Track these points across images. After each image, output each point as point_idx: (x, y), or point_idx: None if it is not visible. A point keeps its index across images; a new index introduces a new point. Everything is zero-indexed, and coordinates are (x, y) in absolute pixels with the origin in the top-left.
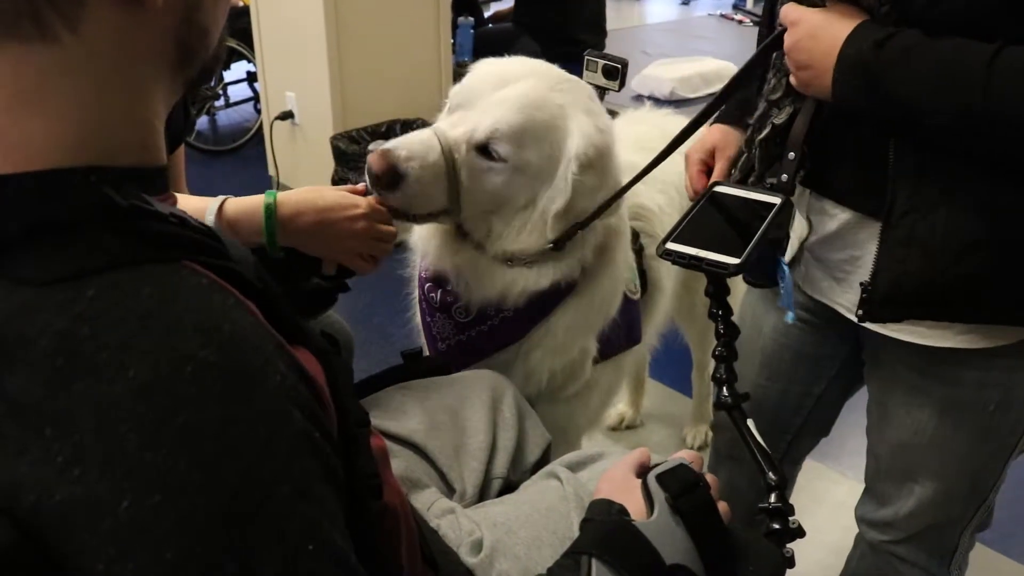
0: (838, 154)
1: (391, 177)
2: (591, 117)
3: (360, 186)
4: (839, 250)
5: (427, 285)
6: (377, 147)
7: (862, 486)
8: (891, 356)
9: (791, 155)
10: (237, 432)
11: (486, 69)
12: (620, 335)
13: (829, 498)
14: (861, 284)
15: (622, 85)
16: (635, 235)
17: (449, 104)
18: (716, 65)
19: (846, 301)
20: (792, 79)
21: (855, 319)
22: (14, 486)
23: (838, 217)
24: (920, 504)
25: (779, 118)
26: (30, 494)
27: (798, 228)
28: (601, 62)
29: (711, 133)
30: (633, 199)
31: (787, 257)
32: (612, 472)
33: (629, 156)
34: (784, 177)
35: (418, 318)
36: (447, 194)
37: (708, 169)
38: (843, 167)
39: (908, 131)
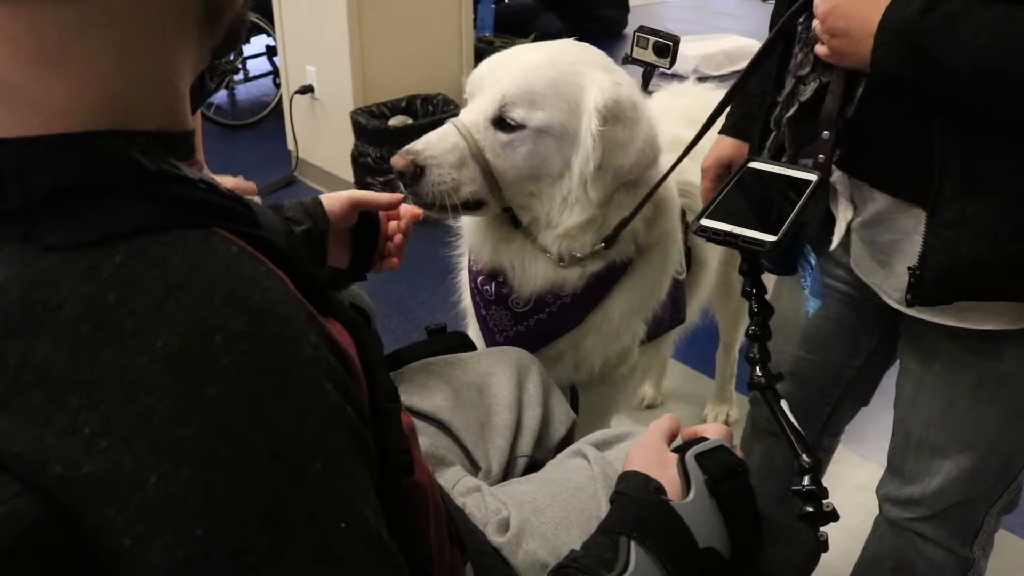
0: (875, 139)
1: (413, 171)
2: (607, 72)
3: (398, 195)
4: (881, 233)
5: (480, 279)
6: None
7: (884, 469)
8: (932, 331)
9: (825, 134)
10: (269, 405)
11: (491, 57)
12: (667, 316)
13: (851, 481)
14: (909, 269)
15: (673, 63)
16: (681, 213)
17: (467, 99)
18: (740, 42)
19: (887, 286)
20: (821, 49)
21: (895, 304)
22: (41, 457)
23: (878, 201)
24: (948, 480)
25: (805, 95)
26: (57, 465)
27: (844, 210)
28: (652, 39)
29: (724, 147)
30: (680, 176)
31: (836, 239)
32: (644, 441)
33: (675, 130)
34: (821, 158)
35: (465, 302)
36: (481, 180)
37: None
38: (881, 153)
39: (954, 104)
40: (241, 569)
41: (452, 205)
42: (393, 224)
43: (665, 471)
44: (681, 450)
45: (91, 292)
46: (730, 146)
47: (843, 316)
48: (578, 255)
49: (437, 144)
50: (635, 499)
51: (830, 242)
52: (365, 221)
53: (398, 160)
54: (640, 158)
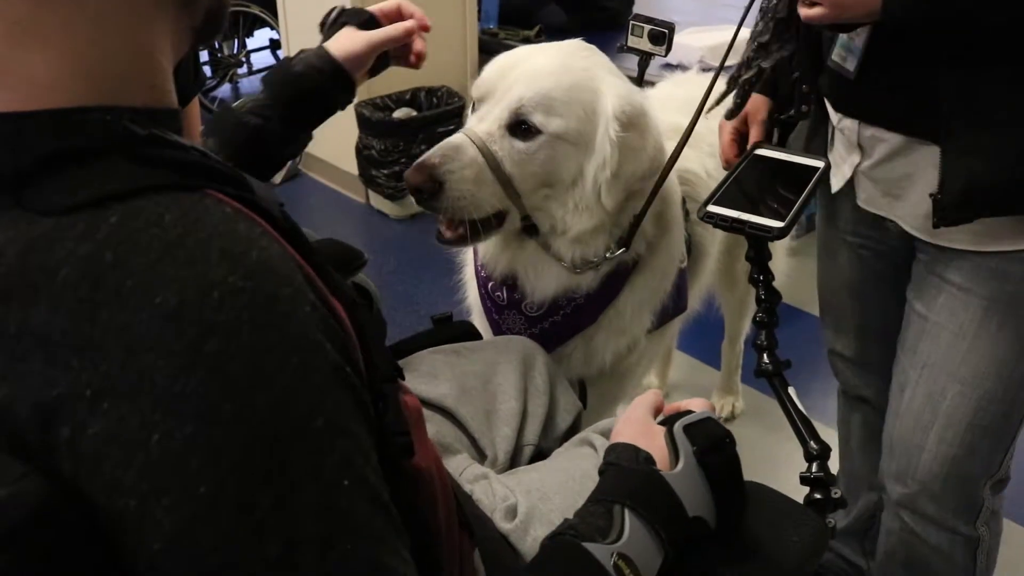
0: (886, 84)
1: (431, 186)
2: (618, 78)
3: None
4: (893, 171)
5: (490, 284)
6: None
7: None
8: (937, 261)
9: (804, 87)
10: (269, 361)
11: (499, 60)
12: (671, 304)
13: None
14: (931, 195)
15: (668, 50)
16: (681, 200)
17: (472, 105)
18: (744, 34)
19: (904, 213)
20: (814, 11)
21: (912, 230)
22: (47, 421)
23: (889, 142)
24: (947, 423)
25: (767, 62)
26: (64, 427)
27: (850, 156)
28: (647, 27)
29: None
30: (679, 163)
31: (837, 183)
32: (630, 415)
33: (675, 118)
34: (804, 108)
35: (470, 298)
36: (500, 192)
37: (740, 136)
38: (892, 94)
39: (959, 37)
40: (246, 525)
41: (473, 221)
42: (407, 29)
43: (653, 442)
44: (668, 422)
45: (88, 252)
46: (751, 100)
47: (877, 268)
48: (593, 260)
49: (454, 157)
50: (626, 469)
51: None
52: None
53: (414, 175)
54: (651, 165)
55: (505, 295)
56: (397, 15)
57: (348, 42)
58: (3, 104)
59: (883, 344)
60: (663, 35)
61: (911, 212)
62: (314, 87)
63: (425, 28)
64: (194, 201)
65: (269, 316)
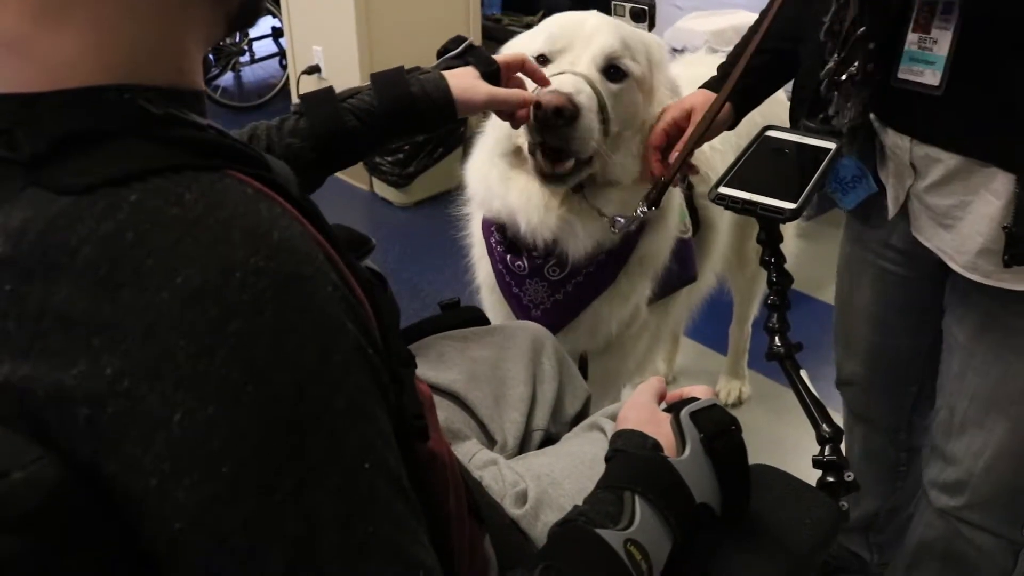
0: (946, 99)
1: (572, 110)
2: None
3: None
4: (947, 196)
5: (508, 256)
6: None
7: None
8: (984, 297)
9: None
10: (291, 341)
11: (560, 19)
12: (674, 273)
13: None
14: (1004, 228)
15: (652, 27)
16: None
17: (535, 57)
18: (749, 18)
19: (951, 248)
20: None
21: (959, 269)
22: (66, 400)
23: (944, 163)
24: (999, 453)
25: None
26: (82, 408)
27: (904, 177)
28: (628, 5)
29: (693, 96)
30: None
31: (892, 207)
32: (635, 400)
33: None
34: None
35: (480, 279)
36: (600, 132)
37: (676, 130)
38: (952, 112)
39: None
40: (268, 505)
41: (579, 161)
42: (524, 100)
43: (659, 428)
44: (673, 409)
45: (109, 231)
46: (700, 96)
47: (902, 295)
48: (625, 218)
49: (581, 89)
50: (634, 455)
51: (883, 216)
52: None
53: (555, 97)
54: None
55: (526, 263)
56: (519, 69)
57: (470, 88)
58: (25, 82)
59: (893, 371)
60: (643, 12)
61: (959, 247)
62: (422, 113)
63: (538, 104)
64: (214, 181)
65: (291, 297)
